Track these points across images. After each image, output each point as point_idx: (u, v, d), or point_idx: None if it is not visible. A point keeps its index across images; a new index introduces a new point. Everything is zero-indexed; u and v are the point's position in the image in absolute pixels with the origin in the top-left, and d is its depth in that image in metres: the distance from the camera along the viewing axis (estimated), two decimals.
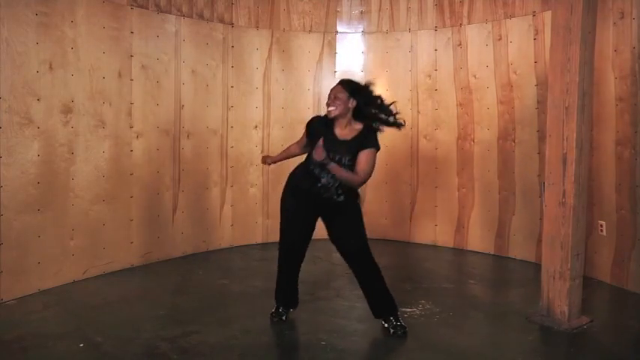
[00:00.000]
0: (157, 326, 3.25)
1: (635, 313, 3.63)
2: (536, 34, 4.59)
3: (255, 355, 2.93)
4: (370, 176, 3.07)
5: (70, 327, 3.22)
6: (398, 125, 3.11)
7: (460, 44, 5.11)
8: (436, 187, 5.34)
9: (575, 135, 3.18)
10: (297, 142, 3.41)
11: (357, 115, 3.10)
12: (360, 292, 3.26)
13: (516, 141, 4.79)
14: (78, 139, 3.98)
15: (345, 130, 3.09)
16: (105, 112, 4.15)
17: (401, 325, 3.17)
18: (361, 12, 5.47)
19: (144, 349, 2.94)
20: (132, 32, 4.30)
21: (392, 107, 3.11)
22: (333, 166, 2.96)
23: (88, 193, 4.06)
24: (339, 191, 3.08)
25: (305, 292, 3.54)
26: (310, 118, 3.30)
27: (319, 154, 2.92)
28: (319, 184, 3.08)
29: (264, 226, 5.32)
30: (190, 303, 3.70)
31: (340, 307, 3.68)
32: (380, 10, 5.43)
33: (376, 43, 5.47)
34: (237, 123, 5.13)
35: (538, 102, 4.58)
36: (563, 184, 3.24)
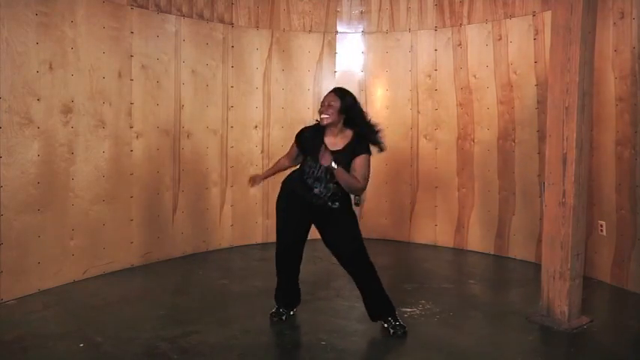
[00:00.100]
0: (157, 326, 3.25)
1: (635, 313, 3.63)
2: (536, 34, 4.59)
3: (255, 355, 2.93)
4: (368, 181, 3.11)
5: (70, 327, 3.22)
6: (381, 147, 3.14)
7: (460, 44, 5.10)
8: (436, 187, 5.34)
9: (575, 135, 3.18)
10: (287, 155, 3.43)
11: (348, 121, 3.13)
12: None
13: (516, 141, 4.79)
14: (78, 139, 3.98)
15: (337, 139, 3.12)
16: (105, 112, 4.16)
17: (401, 325, 3.17)
18: (361, 12, 5.47)
19: (144, 349, 2.94)
20: (132, 32, 4.31)
21: (379, 128, 3.16)
22: (339, 171, 2.99)
23: (88, 193, 4.06)
24: (334, 198, 3.12)
25: (305, 292, 3.54)
26: (299, 129, 3.31)
27: (326, 159, 2.96)
28: (312, 193, 3.11)
29: (264, 226, 5.32)
30: (190, 303, 3.71)
31: (340, 307, 3.69)
32: (380, 10, 5.43)
33: (376, 43, 5.47)
34: (237, 123, 5.13)
35: (538, 102, 4.58)
36: (563, 184, 3.24)
